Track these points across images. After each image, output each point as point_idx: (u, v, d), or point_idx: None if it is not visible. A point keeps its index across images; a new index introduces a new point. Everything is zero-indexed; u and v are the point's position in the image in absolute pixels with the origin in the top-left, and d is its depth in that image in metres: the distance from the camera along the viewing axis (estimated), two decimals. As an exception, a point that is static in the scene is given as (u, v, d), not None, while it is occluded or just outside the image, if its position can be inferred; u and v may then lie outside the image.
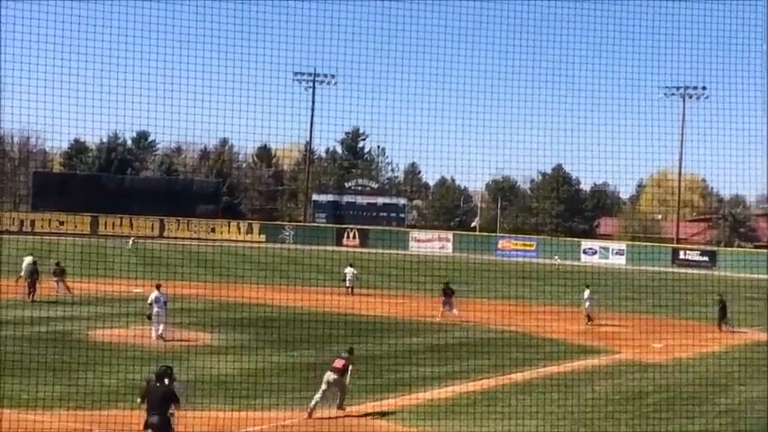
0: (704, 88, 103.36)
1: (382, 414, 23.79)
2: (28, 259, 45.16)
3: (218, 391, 24.21)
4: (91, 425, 21.04)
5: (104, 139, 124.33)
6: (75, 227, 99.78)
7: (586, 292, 43.83)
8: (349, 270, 54.80)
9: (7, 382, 24.30)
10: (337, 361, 24.17)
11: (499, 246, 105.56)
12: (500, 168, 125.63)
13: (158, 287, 34.41)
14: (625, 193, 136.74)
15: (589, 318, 43.66)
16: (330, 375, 23.66)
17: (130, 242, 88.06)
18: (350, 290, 52.94)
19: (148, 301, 34.15)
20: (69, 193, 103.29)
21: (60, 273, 46.31)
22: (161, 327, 33.70)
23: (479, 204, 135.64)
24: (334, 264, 58.99)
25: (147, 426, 17.54)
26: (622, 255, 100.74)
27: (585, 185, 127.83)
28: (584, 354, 35.28)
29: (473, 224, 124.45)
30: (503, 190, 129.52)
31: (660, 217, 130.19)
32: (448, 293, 44.17)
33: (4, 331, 32.66)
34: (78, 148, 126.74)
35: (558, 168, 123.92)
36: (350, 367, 24.15)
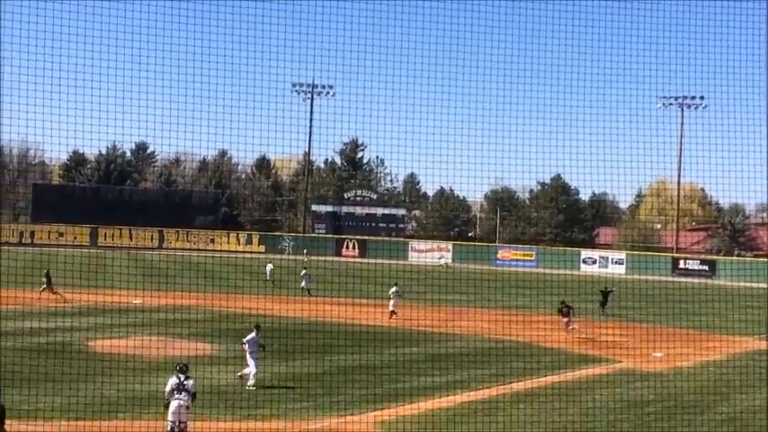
0: (702, 98, 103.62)
1: (383, 423, 23.73)
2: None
3: (218, 402, 24.14)
4: (91, 436, 20.97)
5: (103, 151, 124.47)
6: (75, 238, 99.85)
7: (393, 288, 47.53)
8: (303, 272, 59.42)
9: (8, 393, 24.23)
10: None
11: (498, 256, 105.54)
12: (499, 178, 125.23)
13: (257, 328, 29.43)
14: (624, 202, 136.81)
15: (393, 312, 46.45)
16: None
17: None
18: (308, 292, 56.67)
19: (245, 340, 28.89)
20: (68, 204, 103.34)
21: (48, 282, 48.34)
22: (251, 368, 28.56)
23: (478, 214, 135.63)
24: (334, 274, 59.05)
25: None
26: (622, 264, 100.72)
27: (585, 195, 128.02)
28: (584, 363, 35.20)
29: (470, 233, 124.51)
30: (502, 200, 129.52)
31: (659, 226, 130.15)
32: None
33: (5, 342, 32.62)
34: (77, 160, 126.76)
35: (558, 178, 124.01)
36: None
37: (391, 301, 47.52)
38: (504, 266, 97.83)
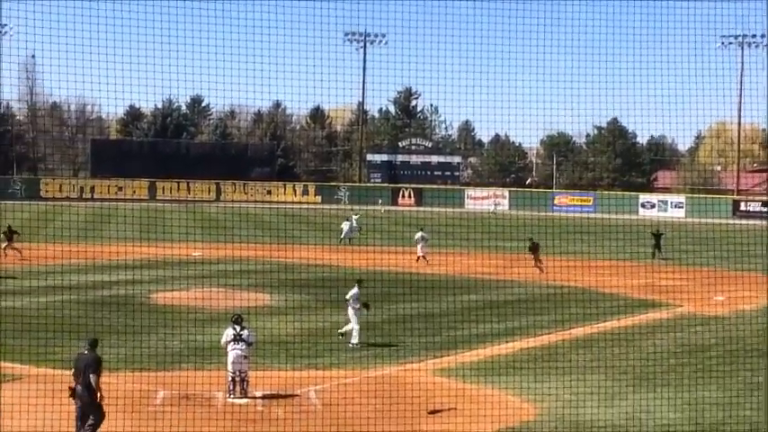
0: (763, 36, 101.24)
1: (442, 371, 23.83)
2: None
3: (279, 351, 24.43)
4: (156, 386, 21.34)
5: (159, 105, 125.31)
6: (134, 192, 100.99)
7: (418, 234, 48.76)
8: (345, 224, 59.62)
9: (73, 345, 24.73)
10: None
11: (555, 201, 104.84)
12: (554, 123, 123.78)
13: (359, 282, 28.18)
14: (683, 145, 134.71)
15: (422, 258, 47.52)
16: None
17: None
18: (347, 240, 57.56)
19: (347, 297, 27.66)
20: (127, 159, 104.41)
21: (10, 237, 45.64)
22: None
23: (534, 160, 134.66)
24: (390, 223, 59.16)
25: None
26: (681, 207, 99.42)
27: (642, 139, 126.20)
28: (644, 308, 34.99)
29: (528, 181, 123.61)
30: (558, 145, 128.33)
31: (719, 168, 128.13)
32: None
33: (68, 296, 33.26)
34: (134, 115, 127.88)
35: (614, 122, 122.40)
36: None
37: (419, 246, 48.39)
38: (561, 212, 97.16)
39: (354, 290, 27.30)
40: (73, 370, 17.34)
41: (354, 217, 65.81)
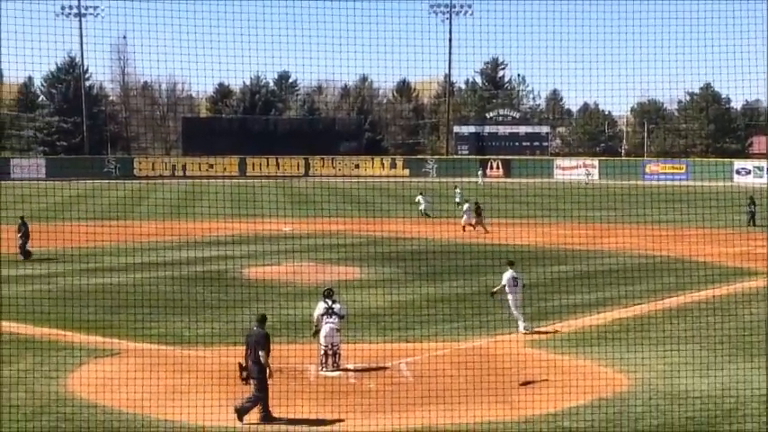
0: None
1: (533, 342, 23.73)
2: None
3: (369, 323, 24.57)
4: (249, 359, 21.65)
5: (247, 82, 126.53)
6: (224, 169, 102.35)
7: (465, 205, 50.32)
8: (421, 198, 58.94)
9: (169, 320, 25.30)
10: None
11: (647, 170, 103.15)
12: (645, 90, 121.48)
13: (511, 264, 25.90)
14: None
15: (468, 226, 48.66)
16: None
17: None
18: (424, 215, 57.53)
19: (503, 283, 25.46)
20: (217, 136, 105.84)
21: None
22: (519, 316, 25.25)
23: (625, 129, 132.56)
24: (479, 195, 58.90)
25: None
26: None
27: (736, 103, 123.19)
28: (740, 276, 34.27)
29: (622, 150, 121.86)
30: (649, 113, 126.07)
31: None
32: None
33: (162, 272, 33.97)
34: (223, 93, 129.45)
35: (707, 87, 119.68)
36: None
37: (464, 217, 49.27)
38: (653, 181, 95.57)
39: (509, 273, 25.34)
40: (245, 346, 17.66)
41: (456, 191, 65.49)
